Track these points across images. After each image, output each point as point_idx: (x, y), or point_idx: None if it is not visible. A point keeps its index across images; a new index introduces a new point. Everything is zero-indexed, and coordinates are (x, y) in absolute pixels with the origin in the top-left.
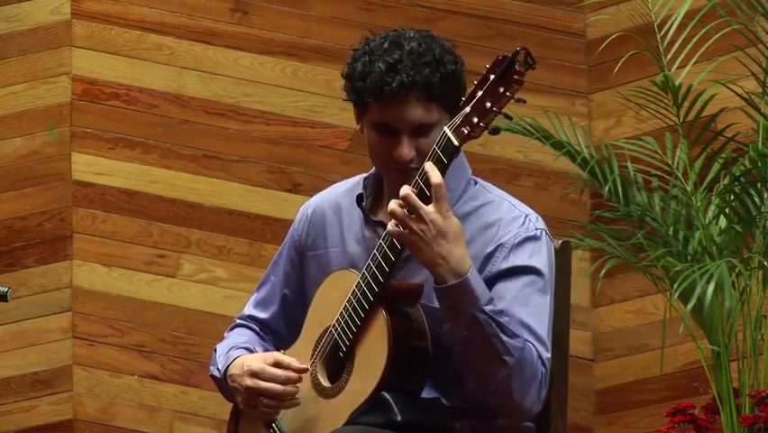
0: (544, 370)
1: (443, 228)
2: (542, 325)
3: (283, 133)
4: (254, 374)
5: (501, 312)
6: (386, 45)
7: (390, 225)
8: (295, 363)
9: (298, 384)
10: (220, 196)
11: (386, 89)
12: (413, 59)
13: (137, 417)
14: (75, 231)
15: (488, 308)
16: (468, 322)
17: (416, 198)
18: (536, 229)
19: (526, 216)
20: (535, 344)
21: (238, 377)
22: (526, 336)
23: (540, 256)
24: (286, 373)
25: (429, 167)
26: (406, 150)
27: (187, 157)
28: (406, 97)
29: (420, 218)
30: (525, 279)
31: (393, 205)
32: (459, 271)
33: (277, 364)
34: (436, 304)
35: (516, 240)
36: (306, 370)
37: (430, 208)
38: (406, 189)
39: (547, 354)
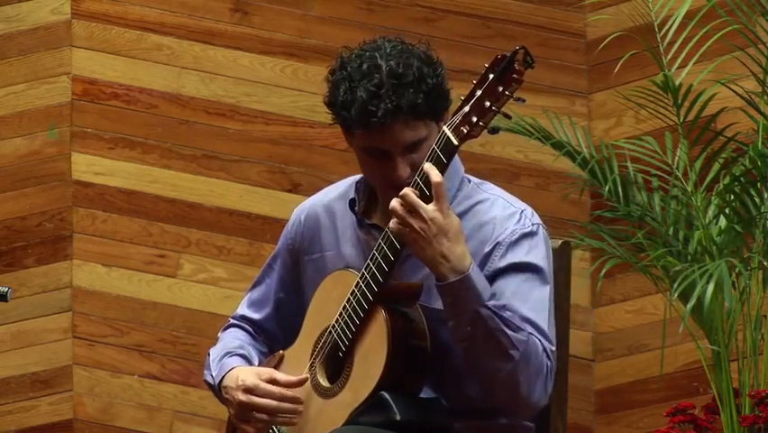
0: (549, 363)
1: (443, 226)
2: (543, 318)
3: (283, 133)
4: (248, 390)
5: (504, 307)
6: (364, 68)
7: (392, 223)
8: (293, 379)
9: (297, 404)
10: (220, 196)
11: (372, 120)
12: (394, 84)
13: (137, 417)
14: (75, 231)
15: (490, 303)
16: (471, 318)
17: (416, 197)
18: (532, 225)
19: (522, 211)
20: (539, 337)
21: (232, 390)
22: (530, 330)
23: (537, 252)
24: (281, 391)
25: (428, 167)
26: (402, 170)
27: (187, 157)
28: (392, 124)
29: (421, 217)
30: (523, 275)
31: (394, 203)
32: (460, 269)
33: (273, 382)
34: (435, 305)
35: (513, 237)
36: (305, 380)
37: (431, 207)
38: (406, 189)
39: (552, 347)
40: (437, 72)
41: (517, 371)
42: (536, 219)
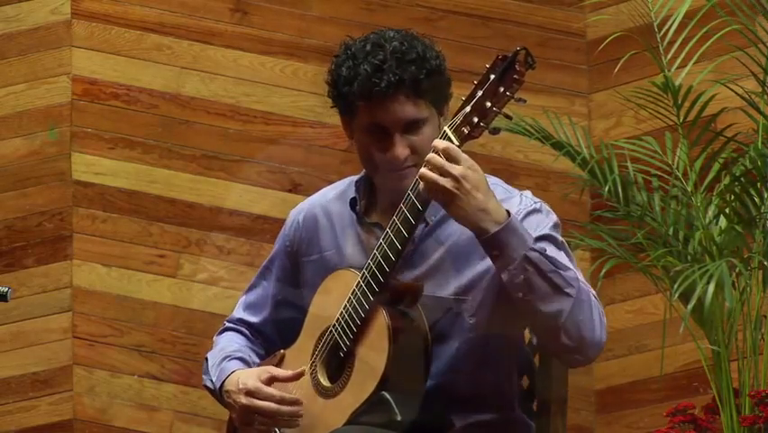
0: (596, 301)
1: (475, 182)
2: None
3: (283, 133)
4: (250, 393)
5: (546, 249)
6: (368, 48)
7: (421, 186)
8: (289, 373)
9: (298, 406)
10: (220, 196)
11: (375, 90)
12: (397, 58)
13: (137, 417)
14: (75, 231)
15: (536, 245)
16: (523, 264)
17: (442, 158)
18: (534, 203)
19: (521, 194)
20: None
21: (233, 394)
22: None
23: (546, 223)
24: (281, 393)
25: (431, 156)
26: (400, 149)
27: (187, 157)
28: (396, 96)
29: (452, 176)
30: (539, 244)
31: (423, 170)
32: (500, 219)
33: (272, 379)
34: (442, 294)
35: (519, 217)
36: (301, 373)
37: (458, 166)
38: (430, 154)
39: (593, 291)
40: (439, 57)
41: (577, 310)
42: (537, 198)
